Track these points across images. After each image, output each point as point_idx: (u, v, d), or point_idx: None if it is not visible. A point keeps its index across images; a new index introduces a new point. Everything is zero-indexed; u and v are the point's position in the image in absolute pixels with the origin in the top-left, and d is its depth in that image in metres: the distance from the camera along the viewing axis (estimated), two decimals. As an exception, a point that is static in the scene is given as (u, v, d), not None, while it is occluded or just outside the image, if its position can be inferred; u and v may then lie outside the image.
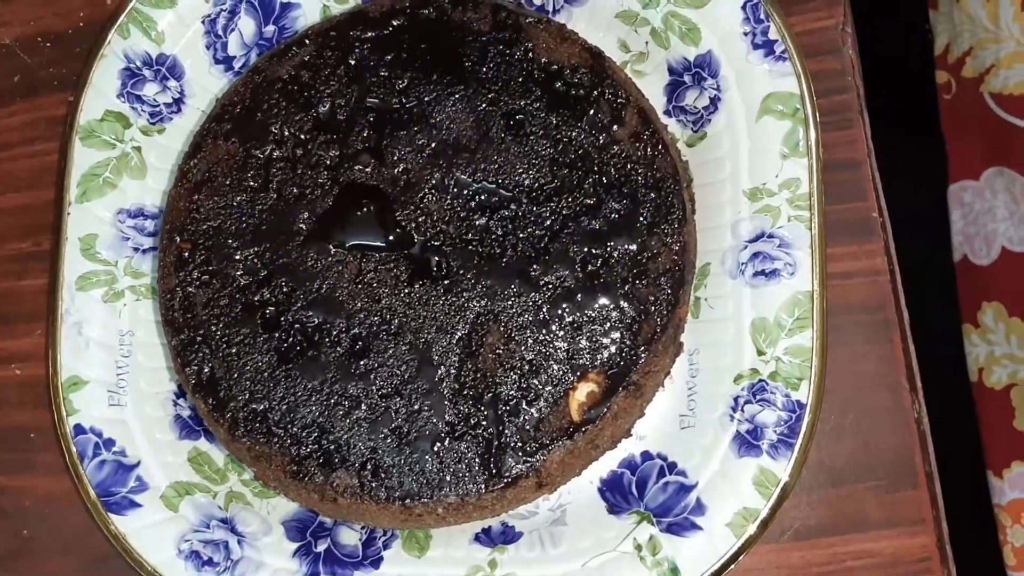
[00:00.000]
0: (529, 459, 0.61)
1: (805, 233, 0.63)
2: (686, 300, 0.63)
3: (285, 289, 0.65)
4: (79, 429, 0.68)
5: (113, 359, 0.69)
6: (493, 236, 0.64)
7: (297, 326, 0.64)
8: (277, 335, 0.64)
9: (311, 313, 0.64)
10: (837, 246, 0.65)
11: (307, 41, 0.68)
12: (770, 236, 0.63)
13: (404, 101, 0.66)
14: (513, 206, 0.64)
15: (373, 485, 0.61)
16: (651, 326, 0.62)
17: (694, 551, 0.61)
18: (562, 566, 0.63)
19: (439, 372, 0.62)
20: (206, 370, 0.64)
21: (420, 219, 0.64)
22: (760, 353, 0.62)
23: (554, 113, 0.65)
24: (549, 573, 0.63)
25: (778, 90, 0.65)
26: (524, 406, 0.61)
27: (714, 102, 0.66)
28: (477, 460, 0.61)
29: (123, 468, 0.68)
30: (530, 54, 0.66)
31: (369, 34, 0.68)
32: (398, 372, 0.62)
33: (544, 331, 0.62)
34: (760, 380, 0.62)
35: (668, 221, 0.63)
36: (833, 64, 0.67)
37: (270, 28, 0.72)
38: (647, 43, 0.68)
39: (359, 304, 0.64)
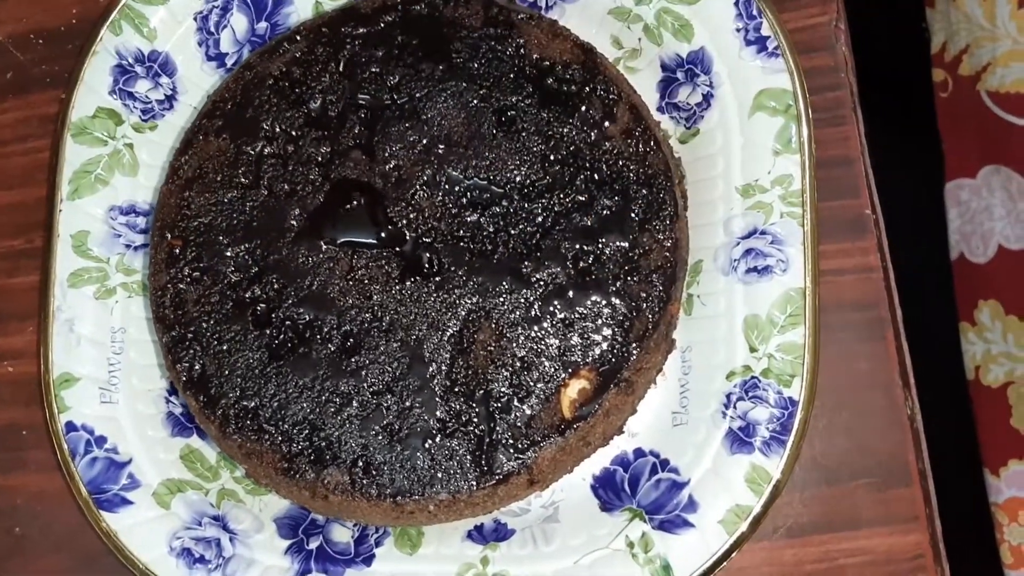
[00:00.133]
0: (521, 456, 0.60)
1: (798, 230, 0.63)
2: (678, 297, 0.63)
3: (276, 286, 0.64)
4: (71, 426, 0.68)
5: (105, 356, 0.69)
6: (484, 233, 0.63)
7: (288, 323, 0.64)
8: (268, 332, 0.64)
9: (302, 310, 0.64)
10: (830, 243, 0.65)
11: (299, 37, 0.68)
12: (762, 233, 0.63)
13: (395, 97, 0.66)
14: (505, 203, 0.64)
15: (364, 482, 0.61)
16: (643, 323, 0.61)
17: (686, 548, 0.61)
18: (554, 563, 0.63)
19: (430, 369, 0.62)
20: (197, 367, 0.64)
21: (411, 216, 0.64)
22: (752, 350, 0.62)
23: (546, 109, 0.65)
24: (541, 570, 0.63)
25: (771, 86, 0.64)
26: (516, 403, 0.61)
27: (707, 98, 0.66)
28: (468, 457, 0.61)
29: (115, 465, 0.67)
30: (522, 50, 0.66)
31: (361, 30, 0.67)
32: (389, 369, 0.62)
33: (536, 328, 0.62)
34: (752, 377, 0.62)
35: (660, 218, 0.63)
36: (826, 60, 0.67)
37: (262, 25, 0.72)
38: (640, 39, 0.68)
39: (350, 301, 0.64)
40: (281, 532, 0.66)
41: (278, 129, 0.67)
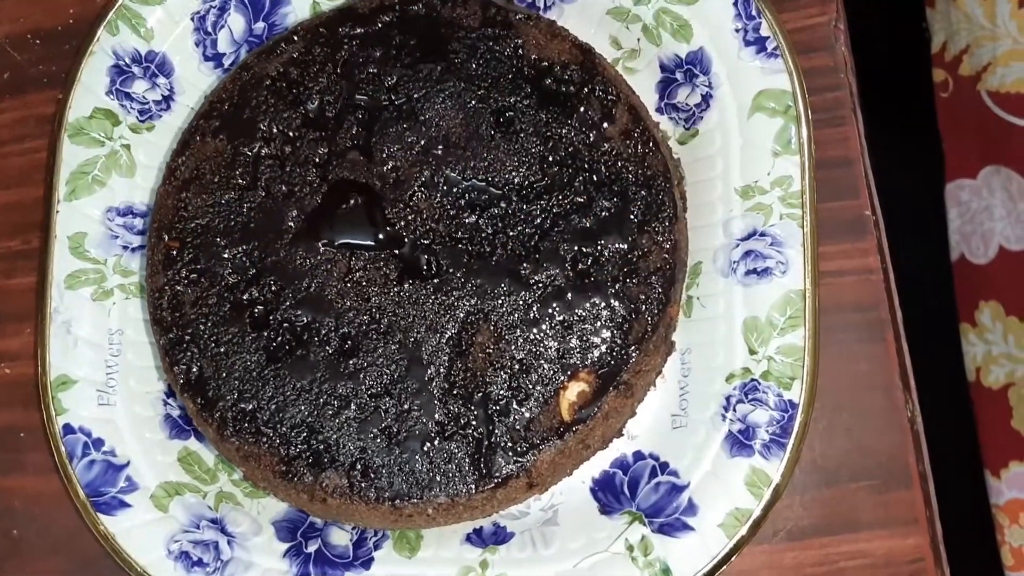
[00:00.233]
0: (519, 459, 0.60)
1: (797, 231, 0.62)
2: (677, 299, 0.63)
3: (274, 288, 0.64)
4: (68, 429, 0.68)
5: (102, 358, 0.69)
6: (483, 234, 0.63)
7: (286, 325, 0.64)
8: (266, 334, 0.64)
9: (300, 312, 0.64)
10: (829, 244, 0.65)
11: (296, 38, 0.68)
12: (762, 234, 0.63)
13: (393, 98, 0.66)
14: (503, 204, 0.63)
15: (363, 485, 0.61)
16: (642, 325, 0.61)
17: (686, 552, 0.61)
18: (553, 567, 0.63)
19: (429, 372, 0.62)
20: (195, 369, 0.64)
21: (409, 217, 0.64)
22: (752, 352, 0.62)
23: (544, 110, 0.64)
24: (540, 574, 0.63)
25: (770, 87, 0.64)
26: (514, 406, 0.61)
27: (706, 99, 0.66)
28: (467, 460, 0.60)
29: (113, 468, 0.67)
30: (520, 51, 0.66)
31: (358, 30, 0.67)
32: (387, 372, 0.62)
33: (534, 330, 0.62)
34: (752, 379, 0.62)
35: (659, 219, 0.62)
36: (826, 61, 0.67)
37: (260, 25, 0.72)
38: (638, 40, 0.68)
39: (348, 303, 0.63)
40: (279, 535, 0.66)
41: (275, 130, 0.67)
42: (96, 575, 0.69)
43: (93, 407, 0.68)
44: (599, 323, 0.61)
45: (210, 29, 0.72)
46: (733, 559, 0.60)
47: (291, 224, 0.65)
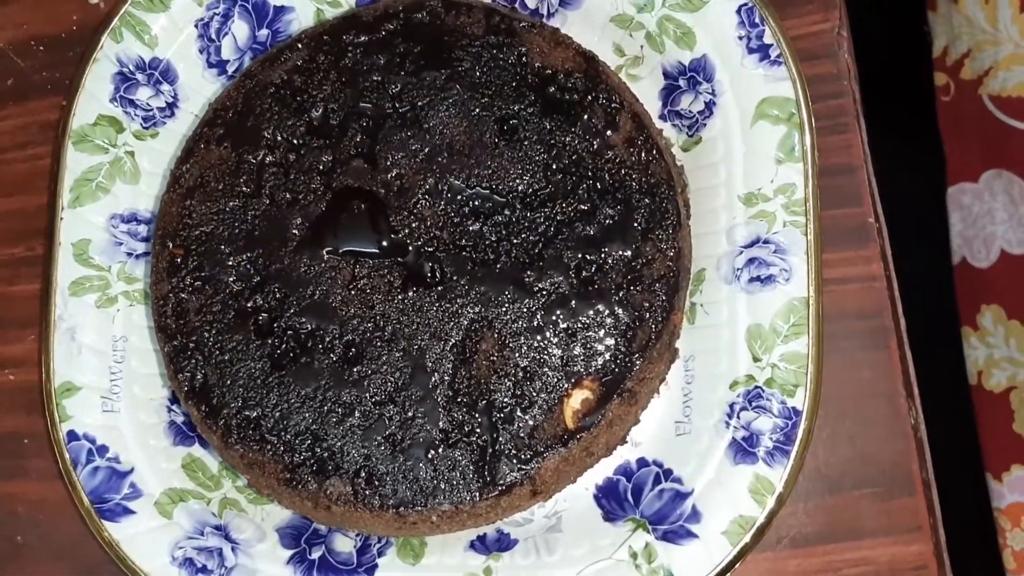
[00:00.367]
0: (523, 467, 0.60)
1: (801, 239, 0.63)
2: (681, 306, 0.63)
3: (278, 295, 0.64)
4: (72, 435, 0.68)
5: (106, 365, 0.69)
6: (487, 242, 0.63)
7: (290, 332, 0.64)
8: (270, 341, 0.64)
9: (304, 319, 0.64)
10: (833, 252, 0.65)
11: (300, 45, 0.68)
12: (765, 242, 0.63)
13: (397, 106, 0.66)
14: (507, 212, 0.64)
15: (367, 493, 0.61)
16: (646, 332, 0.61)
17: (689, 559, 0.61)
18: (557, 574, 0.63)
19: (433, 379, 0.62)
20: (199, 377, 0.64)
21: (413, 225, 0.64)
22: (756, 359, 0.62)
23: (548, 118, 0.65)
24: (544, 581, 0.63)
25: (773, 95, 0.64)
26: (518, 413, 0.61)
27: (709, 107, 0.66)
28: (471, 468, 0.60)
29: (117, 475, 0.67)
30: (524, 58, 0.66)
31: (362, 38, 0.67)
32: (392, 379, 0.62)
33: (538, 337, 0.62)
34: (756, 387, 0.62)
35: (663, 227, 0.63)
36: (829, 68, 0.67)
37: (263, 32, 0.72)
38: (642, 47, 0.68)
39: (352, 310, 0.63)
40: (283, 542, 0.66)
41: (280, 138, 0.67)
42: (100, 582, 0.69)
43: (97, 414, 0.68)
44: (603, 330, 0.61)
45: (214, 36, 0.72)
46: (737, 567, 0.60)
47: (295, 232, 0.65)
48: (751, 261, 0.63)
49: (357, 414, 0.62)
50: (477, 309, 0.62)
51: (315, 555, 0.65)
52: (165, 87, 0.72)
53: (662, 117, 0.68)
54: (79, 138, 0.71)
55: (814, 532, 0.63)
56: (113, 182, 0.71)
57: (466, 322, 0.62)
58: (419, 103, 0.66)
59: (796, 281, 0.62)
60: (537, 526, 0.64)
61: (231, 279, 0.65)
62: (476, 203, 0.64)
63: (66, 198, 0.70)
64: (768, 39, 0.64)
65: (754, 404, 0.62)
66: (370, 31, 0.67)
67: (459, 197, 0.64)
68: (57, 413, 0.68)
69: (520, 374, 0.61)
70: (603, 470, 0.64)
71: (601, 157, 0.64)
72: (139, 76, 0.72)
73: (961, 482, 0.94)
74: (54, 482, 0.69)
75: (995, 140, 0.98)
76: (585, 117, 0.64)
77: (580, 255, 0.62)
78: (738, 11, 0.65)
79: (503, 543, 0.64)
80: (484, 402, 0.61)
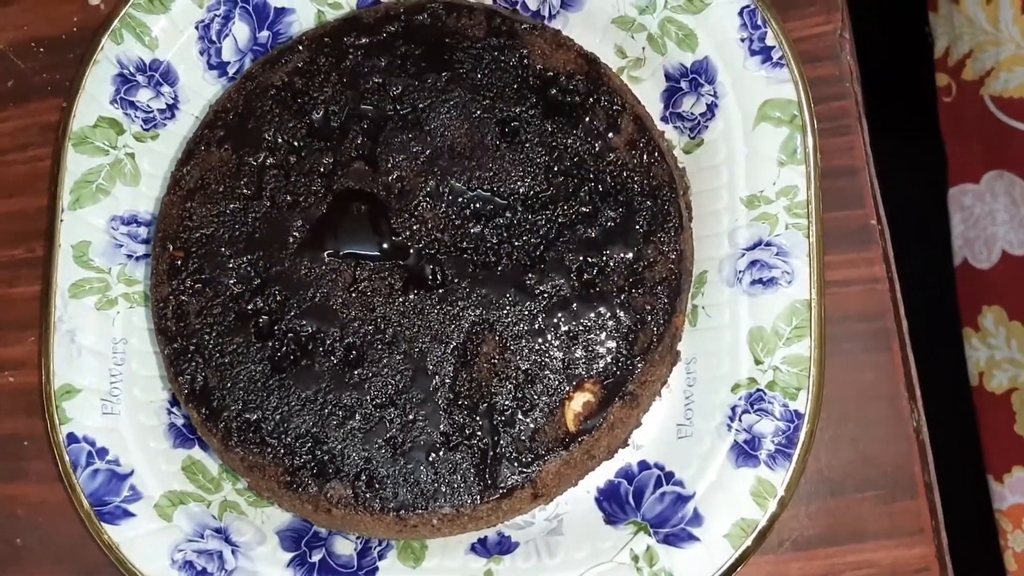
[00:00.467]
0: (524, 470, 0.60)
1: (803, 241, 0.62)
2: (683, 309, 0.63)
3: (279, 298, 0.64)
4: (72, 438, 0.68)
5: (106, 367, 0.69)
6: (488, 244, 0.63)
7: (291, 335, 0.64)
8: (271, 344, 0.64)
9: (305, 322, 0.64)
10: (835, 254, 0.64)
11: (301, 47, 0.68)
12: (767, 244, 0.63)
13: (398, 108, 0.66)
14: (508, 214, 0.63)
15: (367, 496, 0.61)
16: (647, 335, 0.61)
17: (691, 562, 0.61)
18: (558, 576, 0.63)
19: (434, 382, 0.62)
20: (199, 379, 0.64)
21: (415, 227, 0.64)
22: (758, 362, 0.62)
23: (549, 120, 0.64)
24: (545, 583, 0.63)
25: (775, 97, 0.64)
26: (519, 416, 0.61)
27: (711, 108, 0.66)
28: (472, 471, 0.60)
29: (117, 477, 0.67)
30: (525, 60, 0.65)
31: (363, 40, 0.67)
32: (392, 382, 0.62)
33: (539, 340, 0.61)
34: (758, 390, 0.62)
35: (664, 229, 0.62)
36: (831, 70, 0.67)
37: (264, 34, 0.72)
38: (644, 49, 0.68)
39: (353, 313, 0.63)
40: (284, 544, 0.66)
41: (280, 140, 0.66)
42: (100, 585, 0.69)
43: (97, 416, 0.68)
44: (604, 333, 0.61)
45: (214, 38, 0.72)
46: (739, 570, 0.60)
47: (296, 234, 0.65)
48: (753, 263, 0.63)
49: (358, 417, 0.62)
50: (478, 312, 0.62)
51: (315, 558, 0.65)
52: (165, 89, 0.72)
53: (664, 119, 0.68)
54: (79, 140, 0.71)
55: (816, 535, 0.63)
56: (113, 184, 0.71)
57: (467, 325, 0.62)
58: (420, 105, 0.66)
59: (798, 283, 0.62)
60: (538, 529, 0.64)
61: (231, 281, 0.65)
62: (477, 205, 0.64)
63: (66, 200, 0.70)
64: (770, 41, 0.64)
65: (756, 407, 0.61)
66: (371, 33, 0.67)
67: (460, 199, 0.64)
68: (57, 415, 0.68)
69: (521, 377, 0.61)
70: (604, 473, 0.64)
71: (603, 159, 0.64)
72: (139, 78, 0.72)
73: (962, 484, 0.94)
74: (54, 484, 0.69)
75: (996, 141, 0.98)
76: (587, 119, 0.64)
77: (581, 258, 0.62)
78: (740, 13, 0.65)
79: (504, 546, 0.64)
80: (485, 405, 0.61)
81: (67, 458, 0.67)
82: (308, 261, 0.64)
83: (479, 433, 0.61)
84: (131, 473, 0.67)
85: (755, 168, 0.64)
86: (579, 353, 0.61)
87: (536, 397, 0.61)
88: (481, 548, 0.64)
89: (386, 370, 0.62)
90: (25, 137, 0.76)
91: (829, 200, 0.64)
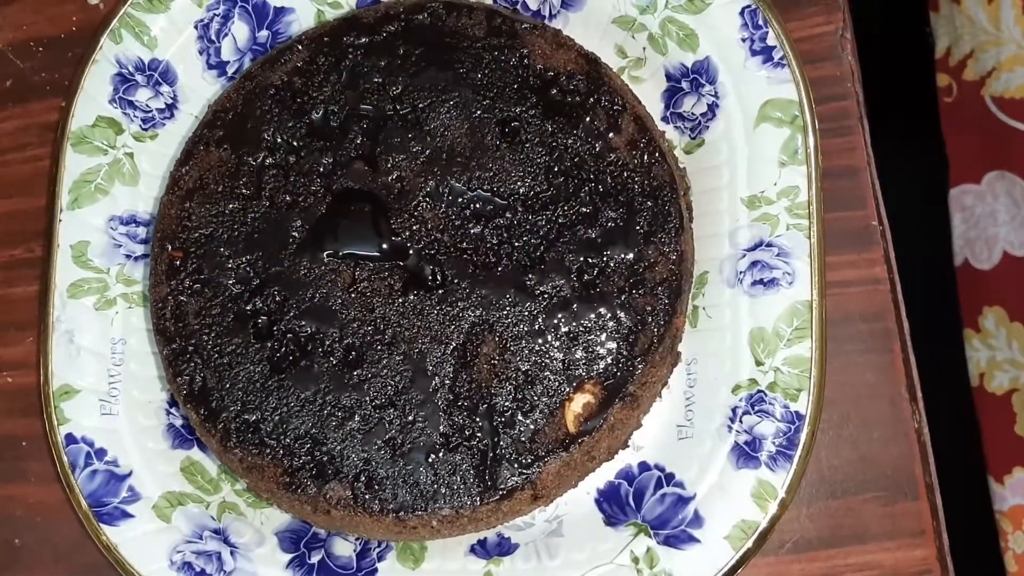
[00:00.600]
0: (524, 471, 0.60)
1: (804, 242, 0.62)
2: (683, 310, 0.63)
3: (278, 298, 0.64)
4: (71, 439, 0.67)
5: (105, 368, 0.69)
6: (488, 245, 0.63)
7: (290, 336, 0.63)
8: (270, 345, 0.63)
9: (304, 322, 0.63)
10: (836, 255, 0.64)
11: (300, 47, 0.68)
12: (768, 245, 0.63)
13: (398, 108, 0.66)
14: (508, 214, 0.63)
15: (367, 497, 0.61)
16: (648, 336, 0.61)
17: (692, 564, 0.61)
18: (558, 578, 0.62)
19: (433, 383, 0.62)
20: (198, 380, 0.64)
21: (414, 227, 0.64)
22: (759, 363, 0.62)
23: (550, 120, 0.64)
24: (545, 585, 0.63)
25: (776, 97, 0.64)
26: (519, 417, 0.60)
27: (712, 109, 0.66)
28: (472, 472, 0.60)
29: (115, 478, 0.67)
30: (525, 60, 0.65)
31: (363, 40, 0.67)
32: (392, 383, 0.62)
33: (540, 341, 0.61)
34: (759, 391, 0.61)
35: (665, 230, 0.62)
36: (832, 70, 0.67)
37: (263, 33, 0.72)
38: (644, 49, 0.68)
39: (352, 314, 0.63)
40: (282, 546, 0.66)
41: (280, 140, 0.66)
42: (98, 585, 0.69)
43: (96, 417, 0.68)
44: (605, 334, 0.61)
45: (214, 37, 0.71)
46: (739, 572, 0.60)
47: (295, 234, 0.65)
48: (754, 264, 0.63)
49: (357, 418, 0.62)
50: (478, 312, 0.62)
51: (314, 559, 0.65)
52: (164, 88, 0.72)
53: (664, 119, 0.68)
54: (78, 140, 0.71)
55: (817, 537, 0.63)
56: (112, 184, 0.71)
57: (467, 325, 0.62)
58: (420, 105, 0.65)
59: (799, 284, 0.62)
60: (538, 530, 0.64)
61: (230, 282, 0.65)
62: (477, 206, 0.64)
63: (65, 200, 0.70)
64: (771, 41, 0.64)
65: (757, 408, 0.61)
66: (371, 33, 0.67)
67: (460, 200, 0.64)
68: (55, 416, 0.68)
69: (521, 378, 0.61)
70: (604, 474, 0.64)
71: (603, 160, 0.63)
72: (138, 77, 0.71)
73: (962, 485, 0.93)
74: (52, 485, 0.69)
75: (997, 141, 0.98)
76: (587, 119, 0.64)
77: (582, 258, 0.62)
78: (741, 13, 0.65)
79: (504, 547, 0.64)
80: (485, 406, 0.61)
81: (66, 459, 0.67)
82: (307, 261, 0.64)
83: (479, 434, 0.60)
84: (130, 474, 0.67)
85: (756, 168, 0.64)
86: (579, 354, 0.61)
87: (536, 398, 0.61)
88: (481, 549, 0.64)
89: (385, 371, 0.62)
90: (24, 137, 0.76)
91: (830, 201, 0.64)
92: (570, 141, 0.64)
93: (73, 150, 0.71)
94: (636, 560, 0.61)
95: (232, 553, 0.65)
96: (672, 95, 0.67)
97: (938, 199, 1.01)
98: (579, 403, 0.61)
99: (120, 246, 0.70)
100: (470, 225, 0.63)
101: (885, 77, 1.02)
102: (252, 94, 0.67)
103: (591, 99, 0.64)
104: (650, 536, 0.62)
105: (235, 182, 0.66)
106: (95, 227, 0.70)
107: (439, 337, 0.62)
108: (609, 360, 0.61)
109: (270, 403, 0.62)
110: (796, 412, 0.61)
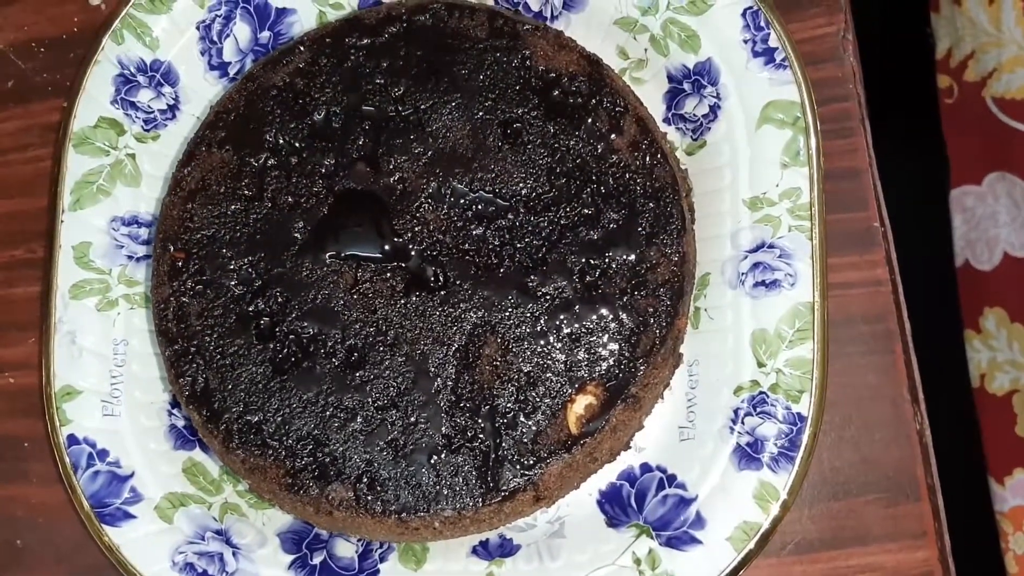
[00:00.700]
0: (527, 472, 0.60)
1: (806, 243, 0.62)
2: (685, 311, 0.63)
3: (280, 299, 0.64)
4: (72, 439, 0.67)
5: (107, 368, 0.69)
6: (490, 246, 0.63)
7: (292, 337, 0.63)
8: (272, 346, 0.63)
9: (306, 324, 0.63)
10: (838, 256, 0.64)
11: (302, 48, 0.68)
12: (770, 246, 0.63)
13: (400, 109, 0.66)
14: (510, 216, 0.63)
15: (369, 498, 0.61)
16: (650, 338, 0.61)
17: (693, 565, 0.61)
18: (560, 579, 0.62)
19: (436, 384, 0.62)
20: (200, 381, 0.64)
21: (416, 229, 0.64)
22: (760, 365, 0.62)
23: (552, 122, 0.64)
24: (547, 586, 0.63)
25: (778, 98, 0.64)
26: (522, 419, 0.60)
27: (714, 110, 0.66)
28: (474, 473, 0.60)
29: (117, 479, 0.67)
30: (527, 62, 0.65)
31: (365, 41, 0.67)
32: (394, 384, 0.62)
33: (542, 343, 0.61)
34: (760, 392, 0.61)
35: (667, 231, 0.62)
36: (834, 72, 0.67)
37: (265, 34, 0.72)
38: (646, 50, 0.68)
39: (354, 315, 0.63)
40: (285, 547, 0.66)
41: (282, 141, 0.66)
42: (100, 586, 0.69)
43: (98, 417, 0.68)
44: (607, 336, 0.61)
45: (215, 38, 0.71)
46: (741, 573, 0.60)
47: (297, 235, 0.65)
48: (756, 266, 0.63)
49: (359, 419, 0.62)
50: (480, 314, 0.62)
51: (316, 560, 0.65)
52: (166, 89, 0.72)
53: (666, 121, 0.68)
54: (80, 140, 0.71)
55: (819, 538, 0.63)
56: (114, 185, 0.71)
57: (469, 327, 0.62)
58: (422, 106, 0.65)
59: (801, 286, 0.62)
60: (540, 531, 0.64)
61: (233, 283, 0.65)
62: (479, 207, 0.64)
63: (67, 201, 0.70)
64: (773, 42, 0.64)
65: (759, 409, 0.61)
66: (373, 34, 0.67)
67: (462, 201, 0.64)
68: (57, 417, 0.68)
69: (523, 379, 0.61)
70: (606, 475, 0.64)
71: (605, 161, 0.63)
72: (140, 78, 0.71)
73: (963, 486, 0.93)
74: (54, 486, 0.69)
75: (998, 142, 0.98)
76: (589, 121, 0.64)
77: (584, 260, 0.62)
78: (743, 14, 0.65)
79: (506, 549, 0.64)
80: (487, 407, 0.61)
81: (68, 460, 0.67)
82: (309, 263, 0.64)
83: (481, 435, 0.60)
84: (132, 475, 0.67)
85: (758, 170, 0.64)
86: (581, 355, 0.61)
87: (538, 399, 0.61)
88: (483, 551, 0.64)
89: (388, 372, 0.62)
90: (25, 138, 0.76)
91: (832, 202, 0.64)
92: (572, 142, 0.64)
93: (75, 151, 0.71)
94: (638, 561, 0.61)
95: (234, 554, 0.65)
96: (674, 96, 0.67)
97: (939, 200, 1.01)
98: (581, 404, 0.61)
99: (122, 247, 0.70)
100: (472, 226, 0.63)
101: (886, 78, 1.02)
102: (254, 95, 0.67)
103: (593, 100, 0.64)
104: (652, 537, 0.62)
105: (237, 183, 0.66)
106: (97, 228, 0.70)
107: (441, 338, 0.62)
108: (611, 361, 0.61)
109: (272, 404, 0.62)
110: (798, 413, 0.61)
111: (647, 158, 0.63)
